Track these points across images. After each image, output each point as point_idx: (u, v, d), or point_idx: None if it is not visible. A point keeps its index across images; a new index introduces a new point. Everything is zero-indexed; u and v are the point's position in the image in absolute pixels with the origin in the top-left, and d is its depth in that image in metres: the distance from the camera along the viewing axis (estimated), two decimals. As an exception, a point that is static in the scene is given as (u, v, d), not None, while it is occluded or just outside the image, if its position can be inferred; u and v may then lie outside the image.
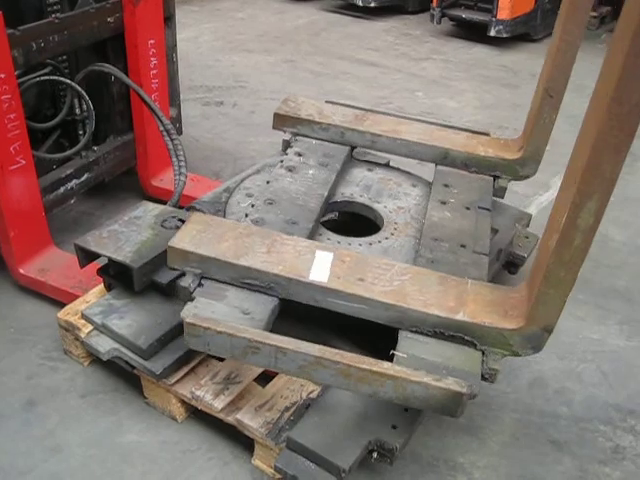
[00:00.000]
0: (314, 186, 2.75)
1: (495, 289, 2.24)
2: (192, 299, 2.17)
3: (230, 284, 2.21)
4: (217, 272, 2.21)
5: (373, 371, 1.91)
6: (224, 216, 2.65)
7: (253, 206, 2.59)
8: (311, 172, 2.85)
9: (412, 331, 2.12)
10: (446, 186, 2.93)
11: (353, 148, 3.14)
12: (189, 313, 2.08)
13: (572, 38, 2.61)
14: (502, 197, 3.06)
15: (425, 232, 2.63)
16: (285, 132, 3.14)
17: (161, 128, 3.12)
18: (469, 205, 2.82)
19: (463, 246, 2.59)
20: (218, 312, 2.11)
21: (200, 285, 2.21)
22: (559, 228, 1.78)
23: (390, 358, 2.03)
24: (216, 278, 2.22)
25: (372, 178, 3.03)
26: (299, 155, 2.97)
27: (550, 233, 1.88)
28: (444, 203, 2.82)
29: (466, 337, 2.10)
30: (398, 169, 3.18)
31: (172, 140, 3.09)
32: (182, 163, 3.06)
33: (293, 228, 2.48)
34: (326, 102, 3.28)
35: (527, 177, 3.05)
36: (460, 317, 2.08)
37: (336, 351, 1.97)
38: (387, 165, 3.19)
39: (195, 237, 2.25)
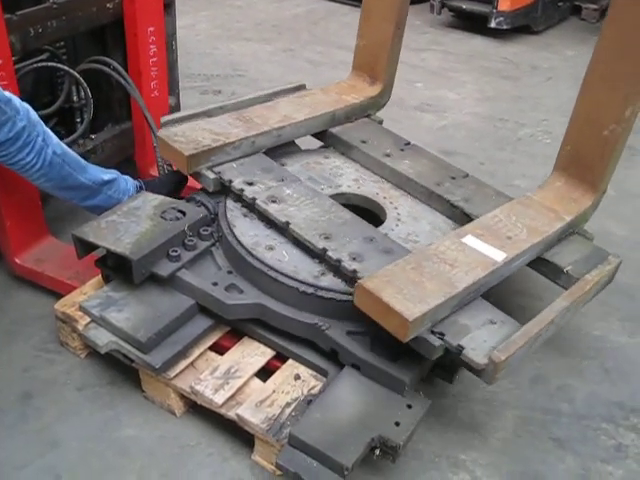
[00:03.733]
0: (316, 201, 2.60)
1: (545, 190, 2.76)
2: (450, 350, 2.12)
3: (448, 316, 2.18)
4: (443, 312, 2.15)
5: (591, 286, 2.42)
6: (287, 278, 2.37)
7: (326, 251, 2.35)
8: (289, 192, 2.62)
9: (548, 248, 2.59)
10: (364, 142, 3.08)
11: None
12: (483, 357, 2.06)
13: None
14: None
15: (425, 184, 2.83)
16: (200, 172, 2.69)
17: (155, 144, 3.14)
18: (401, 147, 3.10)
19: (453, 178, 2.91)
20: (489, 338, 2.13)
21: (442, 334, 2.12)
22: (617, 119, 2.49)
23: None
24: (441, 318, 2.16)
25: (298, 170, 2.91)
26: (250, 184, 2.63)
27: (602, 125, 2.55)
28: (388, 156, 3.01)
29: (571, 230, 2.69)
30: (293, 152, 3.11)
31: None
32: None
33: (378, 243, 2.42)
34: (163, 123, 2.81)
35: (385, 104, 3.42)
36: (568, 219, 2.62)
37: (569, 291, 2.37)
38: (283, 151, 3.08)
39: (406, 297, 2.07)
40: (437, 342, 2.10)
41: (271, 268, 2.38)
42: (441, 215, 2.77)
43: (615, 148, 2.58)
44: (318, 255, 2.40)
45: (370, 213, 2.80)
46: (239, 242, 2.48)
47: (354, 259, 2.33)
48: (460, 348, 2.09)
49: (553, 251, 2.61)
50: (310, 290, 2.32)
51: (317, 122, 3.09)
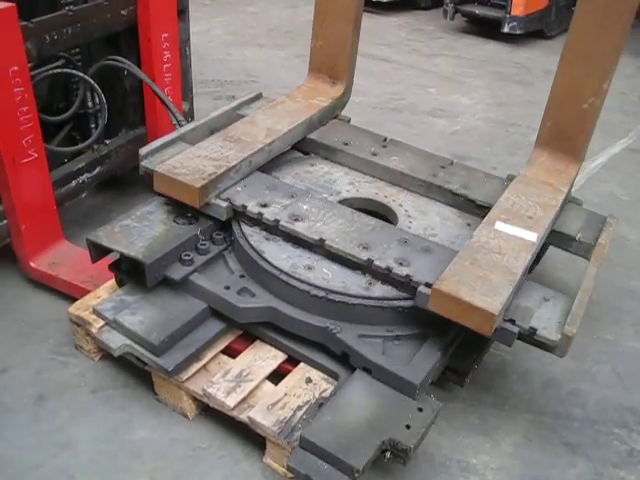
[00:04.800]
0: (337, 212, 2.60)
1: (533, 166, 2.88)
2: (523, 333, 2.23)
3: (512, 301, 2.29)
4: (511, 299, 2.24)
5: (607, 249, 2.61)
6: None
7: (372, 261, 2.35)
8: (306, 207, 2.60)
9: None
10: (346, 144, 3.11)
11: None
12: (556, 333, 2.20)
13: None
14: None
15: (421, 177, 2.90)
16: (209, 202, 2.59)
17: (174, 122, 3.10)
18: (382, 144, 3.14)
19: (443, 167, 3.00)
20: (552, 315, 2.29)
21: (513, 321, 2.23)
22: (596, 93, 2.67)
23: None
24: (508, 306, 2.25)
25: (291, 182, 2.90)
26: (264, 206, 2.59)
27: (582, 99, 2.71)
28: (375, 154, 3.05)
29: (567, 200, 2.85)
30: (279, 164, 3.06)
31: None
32: None
33: (414, 244, 2.47)
34: (144, 155, 2.73)
35: (347, 102, 3.43)
36: (565, 190, 2.76)
37: (593, 258, 2.55)
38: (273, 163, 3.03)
39: (482, 293, 2.15)
40: (515, 329, 2.19)
41: (319, 287, 2.36)
42: (444, 205, 2.85)
43: (594, 119, 2.76)
44: (360, 266, 2.41)
45: (376, 213, 2.82)
46: (279, 269, 2.43)
47: (401, 264, 2.35)
48: (533, 329, 2.21)
49: (559, 222, 2.74)
50: (315, 292, 2.34)
51: (299, 130, 3.08)
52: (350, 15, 3.12)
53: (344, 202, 2.81)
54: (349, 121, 3.38)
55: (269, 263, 2.46)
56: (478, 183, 2.90)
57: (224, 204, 2.59)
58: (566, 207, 2.84)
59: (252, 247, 2.53)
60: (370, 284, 2.39)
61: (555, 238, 2.73)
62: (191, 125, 2.98)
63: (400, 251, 2.42)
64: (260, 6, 7.86)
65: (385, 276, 2.36)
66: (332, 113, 3.32)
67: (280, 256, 2.49)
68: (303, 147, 3.19)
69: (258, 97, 3.37)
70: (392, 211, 2.78)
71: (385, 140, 3.17)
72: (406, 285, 2.32)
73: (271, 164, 2.98)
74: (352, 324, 2.34)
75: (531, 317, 2.26)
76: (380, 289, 2.37)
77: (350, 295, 2.34)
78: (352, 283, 2.39)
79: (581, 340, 2.92)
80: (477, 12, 7.01)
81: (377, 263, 2.35)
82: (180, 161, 2.66)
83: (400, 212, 2.76)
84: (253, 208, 2.58)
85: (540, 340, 2.21)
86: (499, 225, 2.49)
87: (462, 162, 3.10)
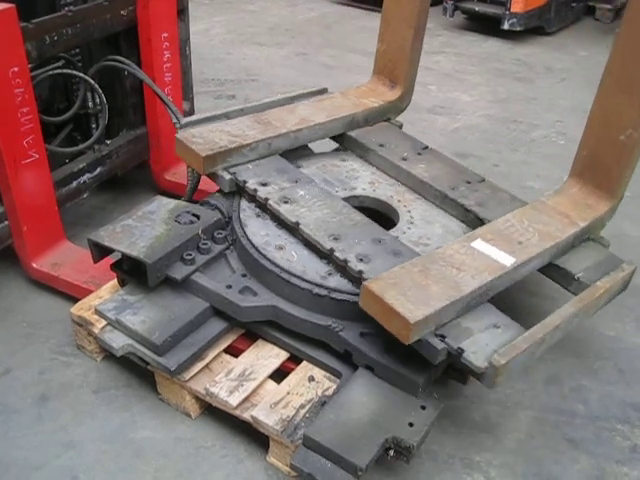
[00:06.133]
0: (328, 202, 2.61)
1: (560, 196, 2.73)
2: (451, 352, 2.09)
3: (453, 319, 2.17)
4: (448, 316, 2.14)
5: (601, 293, 2.41)
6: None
7: (333, 251, 2.36)
8: (302, 193, 2.64)
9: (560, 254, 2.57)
10: (382, 146, 3.10)
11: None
12: (483, 360, 2.04)
13: None
14: None
15: (439, 187, 2.84)
16: (216, 173, 2.71)
17: (174, 121, 3.10)
18: (418, 151, 3.10)
19: (469, 182, 2.90)
20: (492, 342, 2.11)
21: (443, 337, 2.10)
22: (635, 124, 2.47)
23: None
24: (446, 322, 2.14)
25: (313, 172, 2.94)
26: (264, 185, 2.66)
27: (619, 129, 2.52)
28: (405, 159, 3.02)
29: (586, 236, 2.67)
30: (310, 153, 3.13)
31: None
32: None
33: (387, 245, 2.43)
34: (184, 124, 2.86)
35: (405, 108, 3.41)
36: (582, 225, 2.59)
37: (578, 297, 2.37)
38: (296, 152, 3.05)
39: (410, 300, 2.06)
40: (440, 345, 2.08)
41: (277, 266, 2.40)
42: (455, 219, 2.78)
43: (632, 153, 2.55)
44: (326, 255, 2.42)
45: (385, 216, 2.82)
46: (250, 241, 2.51)
47: (361, 260, 2.34)
48: (460, 351, 2.07)
49: (565, 257, 2.59)
50: (317, 290, 2.34)
51: (335, 125, 3.10)
52: (412, 21, 3.09)
53: (353, 198, 2.82)
54: (401, 127, 3.35)
55: (245, 236, 2.52)
56: (497, 203, 2.78)
57: (228, 176, 2.70)
58: (584, 245, 2.68)
59: (239, 220, 2.60)
60: (330, 274, 2.39)
61: (555, 273, 2.60)
62: (240, 106, 3.06)
63: (368, 248, 2.40)
64: (260, 5, 7.86)
65: (343, 269, 2.36)
66: (382, 115, 3.30)
67: (259, 232, 2.55)
68: (342, 143, 3.22)
69: (322, 91, 3.38)
70: (397, 215, 2.77)
71: (425, 148, 3.14)
72: (359, 281, 2.28)
73: (302, 152, 3.05)
74: (354, 322, 2.34)
75: (466, 339, 2.11)
76: (336, 281, 2.36)
77: (301, 278, 2.36)
78: (311, 269, 2.40)
79: (583, 337, 2.93)
80: (477, 9, 7.00)
81: (337, 254, 2.36)
82: (201, 132, 2.80)
83: (404, 217, 2.74)
84: (252, 185, 2.66)
85: (465, 364, 2.07)
86: (477, 243, 2.40)
87: (463, 160, 3.10)
